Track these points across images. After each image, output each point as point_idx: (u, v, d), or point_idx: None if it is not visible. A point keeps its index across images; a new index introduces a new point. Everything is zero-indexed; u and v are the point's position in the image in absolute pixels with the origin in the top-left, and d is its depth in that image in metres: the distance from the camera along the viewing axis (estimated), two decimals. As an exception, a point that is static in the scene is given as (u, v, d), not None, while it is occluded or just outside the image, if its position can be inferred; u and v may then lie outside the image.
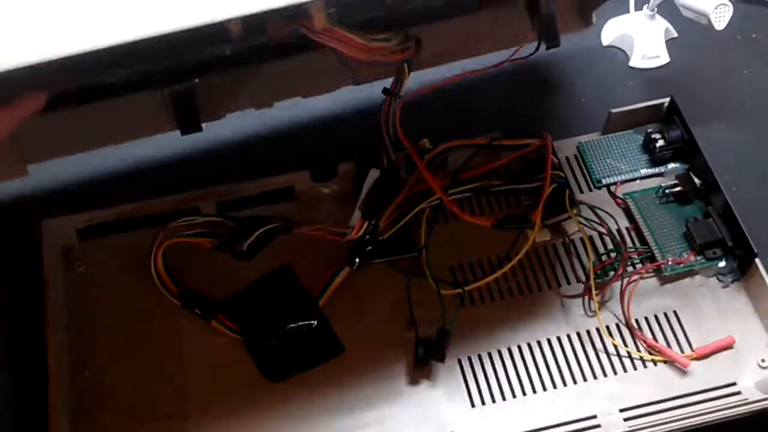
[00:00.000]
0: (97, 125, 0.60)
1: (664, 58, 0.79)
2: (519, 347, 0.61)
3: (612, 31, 0.81)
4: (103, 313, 0.61)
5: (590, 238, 0.65)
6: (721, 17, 0.67)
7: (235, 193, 0.65)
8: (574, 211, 0.64)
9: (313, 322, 0.61)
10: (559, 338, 0.61)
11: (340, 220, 0.63)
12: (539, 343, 0.61)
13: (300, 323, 0.61)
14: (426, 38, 0.57)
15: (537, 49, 0.64)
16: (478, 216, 0.66)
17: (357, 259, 0.63)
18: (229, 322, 0.60)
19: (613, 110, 0.69)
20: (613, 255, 0.64)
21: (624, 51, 0.80)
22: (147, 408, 0.58)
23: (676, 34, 0.81)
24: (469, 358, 0.60)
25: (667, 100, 0.70)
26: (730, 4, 0.67)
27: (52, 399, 0.56)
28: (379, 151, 0.62)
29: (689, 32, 0.80)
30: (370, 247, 0.63)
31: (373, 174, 0.61)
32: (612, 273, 0.63)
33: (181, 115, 0.59)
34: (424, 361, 0.58)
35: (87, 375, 0.59)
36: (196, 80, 0.58)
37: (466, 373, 0.60)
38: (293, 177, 0.66)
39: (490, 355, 0.60)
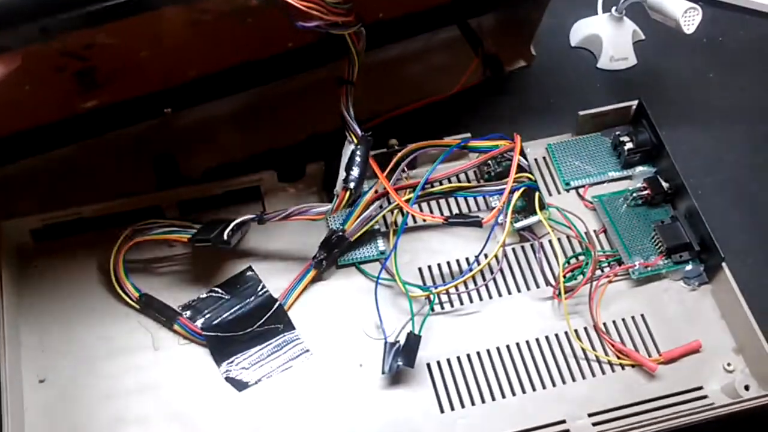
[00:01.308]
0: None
1: (632, 60, 0.79)
2: (488, 351, 0.60)
3: (580, 31, 0.80)
4: (58, 316, 0.59)
5: (559, 240, 0.64)
6: (690, 21, 0.67)
7: (198, 193, 0.63)
8: (545, 214, 0.63)
9: (279, 326, 0.60)
10: (528, 342, 0.61)
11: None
12: (508, 347, 0.60)
13: (266, 327, 0.59)
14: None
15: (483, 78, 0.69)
16: (434, 214, 0.65)
17: (324, 262, 0.62)
18: (192, 326, 0.59)
19: (582, 112, 0.69)
20: (581, 258, 0.64)
21: (592, 52, 0.80)
22: (106, 416, 0.56)
23: (643, 37, 0.81)
24: (438, 363, 0.59)
25: (635, 103, 0.70)
26: (699, 9, 0.67)
27: (4, 405, 0.53)
28: (348, 132, 0.60)
29: (656, 35, 0.80)
30: (336, 250, 0.62)
31: (348, 146, 0.60)
32: (581, 276, 0.63)
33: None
34: (392, 366, 0.57)
35: (43, 380, 0.57)
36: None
37: (435, 377, 0.59)
38: (259, 177, 0.64)
39: (459, 359, 0.60)
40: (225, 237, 0.59)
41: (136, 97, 0.61)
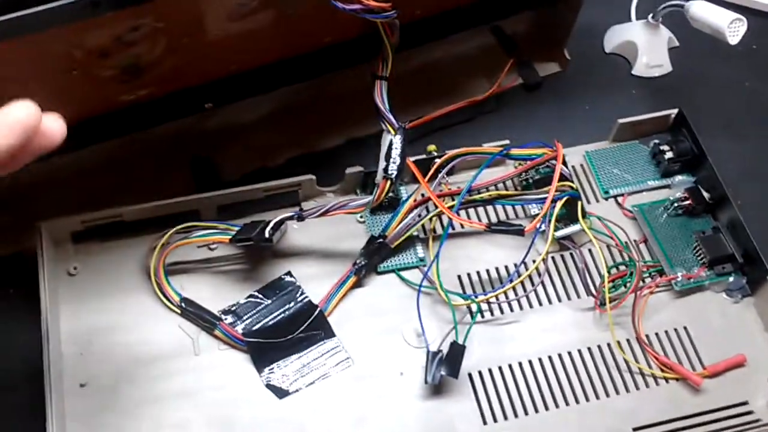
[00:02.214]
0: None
1: (667, 67, 0.79)
2: (530, 362, 0.60)
3: (614, 38, 0.80)
4: (98, 320, 0.58)
5: (598, 251, 0.64)
6: (735, 32, 0.66)
7: (237, 197, 0.62)
8: (586, 223, 0.63)
9: (320, 332, 0.59)
10: (570, 353, 0.60)
11: (340, 219, 0.62)
12: (550, 358, 0.60)
13: (307, 333, 0.59)
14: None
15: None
16: (475, 221, 0.64)
17: (364, 268, 0.61)
18: (233, 332, 0.58)
19: (621, 120, 0.69)
20: (622, 268, 0.63)
21: (626, 58, 0.79)
22: (146, 421, 0.55)
23: (678, 43, 0.80)
24: (480, 373, 0.59)
25: (674, 111, 0.69)
26: (744, 20, 0.67)
27: (49, 407, 0.53)
28: (383, 123, 0.60)
29: (691, 42, 0.80)
30: (377, 256, 0.61)
31: (386, 136, 0.59)
32: (622, 286, 0.62)
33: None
34: (436, 375, 0.57)
35: (84, 385, 0.56)
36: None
37: (477, 388, 0.58)
38: (298, 181, 0.63)
39: (501, 369, 0.59)
40: (266, 235, 0.58)
41: (177, 90, 0.61)
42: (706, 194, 0.66)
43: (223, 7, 0.55)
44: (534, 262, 0.62)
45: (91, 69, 0.54)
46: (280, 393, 0.57)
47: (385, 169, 0.58)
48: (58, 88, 0.53)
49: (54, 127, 0.38)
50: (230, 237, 0.59)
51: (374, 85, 0.59)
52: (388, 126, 0.58)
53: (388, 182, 0.58)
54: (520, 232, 0.60)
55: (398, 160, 0.58)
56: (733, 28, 0.66)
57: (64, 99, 0.54)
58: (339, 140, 0.71)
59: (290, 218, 0.59)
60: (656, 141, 0.69)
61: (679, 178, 0.69)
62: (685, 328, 0.62)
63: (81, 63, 0.53)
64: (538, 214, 0.65)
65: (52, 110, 0.38)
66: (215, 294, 0.60)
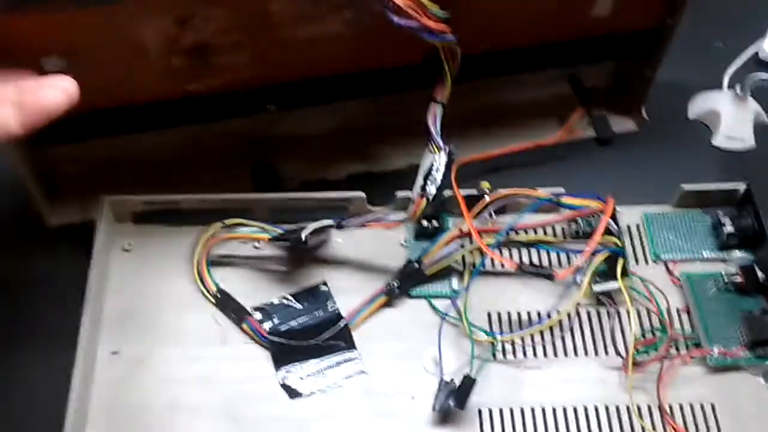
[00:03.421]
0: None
1: (749, 143, 0.76)
2: (543, 410, 0.59)
3: (700, 104, 0.78)
4: (141, 296, 0.63)
5: (638, 312, 0.63)
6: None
7: (289, 203, 0.65)
8: (626, 282, 0.62)
9: (341, 343, 0.61)
10: (585, 408, 0.59)
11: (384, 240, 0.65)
12: (565, 410, 0.59)
13: (329, 342, 0.61)
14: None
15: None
16: (507, 258, 0.64)
17: (396, 290, 0.63)
18: (260, 328, 0.61)
19: (686, 186, 0.68)
20: (657, 334, 0.62)
21: (708, 127, 0.78)
22: (163, 399, 0.58)
23: (767, 121, 0.78)
24: (490, 411, 0.59)
25: (743, 185, 0.67)
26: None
27: (78, 370, 0.56)
28: (430, 143, 0.60)
29: (782, 119, 0.77)
30: (411, 280, 0.63)
31: (428, 155, 0.60)
32: (653, 351, 0.61)
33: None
34: (443, 404, 0.57)
35: (116, 352, 0.60)
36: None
37: (484, 424, 0.58)
38: (349, 196, 0.66)
39: (512, 411, 0.59)
40: (303, 238, 0.60)
41: (243, 89, 0.65)
42: (761, 274, 0.64)
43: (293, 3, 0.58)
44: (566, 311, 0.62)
45: (162, 47, 0.58)
46: (293, 393, 0.59)
47: (422, 187, 0.59)
48: (127, 64, 0.58)
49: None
50: (271, 236, 0.62)
51: (429, 107, 0.60)
52: (434, 146, 0.59)
53: (424, 200, 0.58)
54: (550, 276, 0.60)
55: (437, 180, 0.58)
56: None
57: (133, 77, 0.59)
58: (401, 164, 0.72)
59: (329, 226, 0.61)
60: (719, 212, 0.67)
61: (736, 253, 0.66)
62: (712, 405, 0.60)
63: (153, 40, 0.57)
64: (580, 267, 0.65)
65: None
66: (252, 291, 0.63)
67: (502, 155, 0.72)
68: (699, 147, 0.77)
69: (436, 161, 0.59)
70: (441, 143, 0.60)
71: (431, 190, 0.59)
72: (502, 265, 0.65)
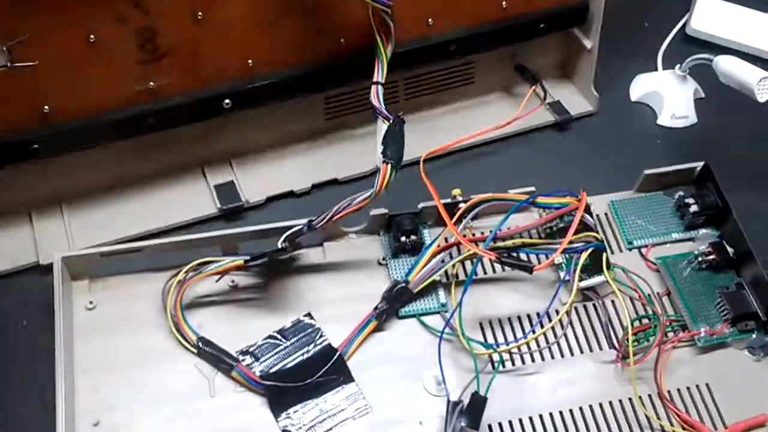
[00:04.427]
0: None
1: (692, 119, 0.78)
2: (551, 415, 0.59)
3: (641, 87, 0.80)
4: (114, 356, 0.58)
5: (630, 301, 0.63)
6: (765, 89, 0.66)
7: (258, 236, 0.62)
8: (611, 274, 0.62)
9: (339, 377, 0.58)
10: (591, 407, 0.59)
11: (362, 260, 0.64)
12: (571, 412, 0.59)
13: (325, 378, 0.58)
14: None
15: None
16: (489, 252, 0.61)
17: (385, 313, 0.60)
18: (251, 375, 0.57)
19: (647, 171, 0.68)
20: (645, 321, 0.63)
21: (652, 108, 0.79)
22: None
23: (703, 95, 0.80)
24: (500, 425, 0.58)
25: (700, 164, 0.69)
26: (774, 77, 0.66)
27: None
28: (379, 117, 0.60)
29: (716, 94, 0.79)
30: (399, 301, 0.61)
31: (381, 126, 0.60)
32: (645, 341, 0.61)
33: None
34: (456, 426, 0.55)
35: (96, 424, 0.55)
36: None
37: (496, 440, 0.57)
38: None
39: (521, 422, 0.58)
40: (279, 246, 0.58)
41: (195, 89, 0.62)
42: (730, 249, 0.66)
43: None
44: (557, 312, 0.62)
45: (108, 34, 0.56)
46: (297, 439, 0.56)
47: (384, 153, 0.57)
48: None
49: None
50: (246, 260, 0.59)
51: (371, 88, 0.61)
52: (383, 119, 0.59)
53: (389, 166, 0.57)
54: (529, 269, 0.59)
55: (396, 146, 0.58)
56: (762, 85, 0.66)
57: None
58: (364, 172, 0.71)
59: (301, 229, 0.58)
60: (681, 193, 0.69)
61: (703, 231, 0.68)
62: (707, 385, 0.61)
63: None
64: (561, 263, 0.65)
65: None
66: (233, 333, 0.59)
67: (464, 142, 0.72)
68: (646, 128, 0.78)
69: (390, 128, 0.58)
70: (388, 114, 0.59)
71: (393, 154, 0.57)
72: (485, 271, 0.64)
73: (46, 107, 0.57)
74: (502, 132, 0.75)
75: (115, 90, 0.59)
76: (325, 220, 0.58)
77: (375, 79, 0.61)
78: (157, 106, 0.61)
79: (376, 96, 0.61)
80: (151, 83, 0.60)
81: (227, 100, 0.63)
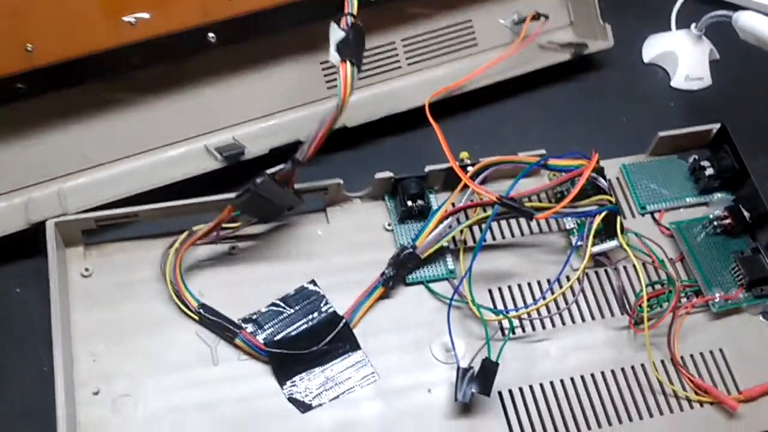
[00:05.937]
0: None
1: (707, 81, 0.76)
2: (562, 381, 0.57)
3: (653, 47, 0.77)
4: (112, 325, 0.56)
5: (634, 267, 0.61)
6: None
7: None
8: (625, 239, 0.60)
9: (345, 345, 0.56)
10: (603, 373, 0.58)
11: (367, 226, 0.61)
12: (583, 378, 0.58)
13: (331, 346, 0.56)
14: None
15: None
16: (488, 190, 0.58)
17: (392, 279, 0.59)
18: (255, 342, 0.55)
19: (661, 133, 0.66)
20: (658, 287, 0.61)
21: (665, 69, 0.77)
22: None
23: (718, 56, 0.78)
24: (510, 392, 0.56)
25: (716, 126, 0.67)
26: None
27: (61, 417, 0.50)
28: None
29: (732, 55, 0.77)
30: (406, 267, 0.59)
31: (334, 30, 0.56)
32: (658, 306, 0.60)
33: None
34: (467, 393, 0.54)
35: (96, 393, 0.53)
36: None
37: (507, 407, 0.56)
38: (325, 185, 0.61)
39: (531, 388, 0.57)
40: (258, 181, 0.54)
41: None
42: (746, 213, 0.64)
43: None
44: (568, 278, 0.60)
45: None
46: (303, 407, 0.54)
47: (339, 51, 0.54)
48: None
49: None
50: (230, 198, 0.55)
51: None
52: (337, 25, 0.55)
53: (348, 64, 0.53)
54: (530, 215, 0.56)
55: (354, 44, 0.54)
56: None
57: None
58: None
59: (286, 166, 0.55)
60: (695, 156, 0.67)
61: (718, 195, 0.66)
62: (721, 350, 0.60)
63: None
64: (572, 228, 0.63)
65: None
66: (235, 300, 0.57)
67: (472, 78, 0.69)
68: (659, 90, 0.76)
69: (347, 32, 0.55)
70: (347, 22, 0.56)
71: (350, 52, 0.54)
72: (494, 238, 0.62)
73: (29, 45, 0.55)
74: (512, 72, 0.71)
75: (100, 26, 0.56)
76: (306, 150, 0.55)
77: (345, 11, 0.57)
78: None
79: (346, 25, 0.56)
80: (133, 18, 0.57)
81: (211, 33, 0.60)
